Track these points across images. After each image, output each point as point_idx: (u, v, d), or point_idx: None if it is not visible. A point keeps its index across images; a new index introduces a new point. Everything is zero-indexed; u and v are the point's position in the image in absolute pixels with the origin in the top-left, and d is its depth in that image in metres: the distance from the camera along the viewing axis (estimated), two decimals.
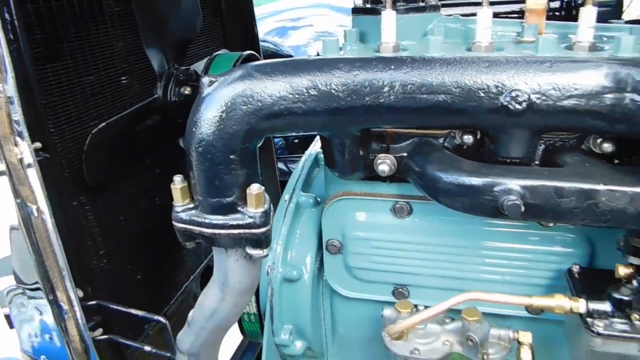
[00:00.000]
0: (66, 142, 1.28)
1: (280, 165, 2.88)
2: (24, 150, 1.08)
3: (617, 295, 1.00)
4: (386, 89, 0.93)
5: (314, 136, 2.16)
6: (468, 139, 1.10)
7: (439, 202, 1.04)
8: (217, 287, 1.15)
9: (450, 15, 1.28)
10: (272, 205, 1.06)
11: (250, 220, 1.00)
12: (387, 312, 1.21)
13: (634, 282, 1.00)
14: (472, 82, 0.91)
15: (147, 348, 1.43)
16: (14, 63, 1.05)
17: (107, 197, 1.45)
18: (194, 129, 0.96)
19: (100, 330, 1.36)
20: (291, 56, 4.54)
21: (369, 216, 1.28)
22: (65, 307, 1.21)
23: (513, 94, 0.89)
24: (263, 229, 1.01)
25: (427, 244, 1.25)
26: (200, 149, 0.96)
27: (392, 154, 1.15)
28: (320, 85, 0.94)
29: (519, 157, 1.02)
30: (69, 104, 1.28)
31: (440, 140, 1.14)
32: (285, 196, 1.50)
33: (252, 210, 1.01)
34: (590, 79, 0.88)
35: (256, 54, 1.74)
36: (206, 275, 1.96)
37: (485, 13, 1.02)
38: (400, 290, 1.32)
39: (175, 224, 1.05)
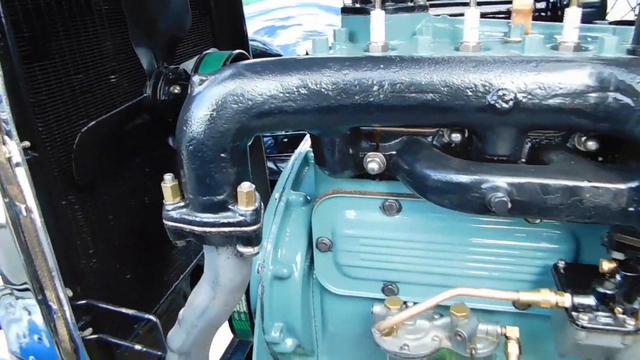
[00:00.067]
0: (55, 140, 1.27)
1: (270, 164, 2.88)
2: (13, 149, 1.07)
3: (601, 290, 1.03)
4: (375, 87, 0.94)
5: (303, 135, 2.18)
6: (456, 137, 1.12)
7: (428, 200, 1.05)
8: (208, 285, 1.15)
9: (439, 15, 1.29)
10: (262, 204, 1.06)
11: (241, 218, 1.01)
12: (377, 308, 1.22)
13: (618, 277, 1.03)
14: (460, 81, 0.92)
15: (138, 347, 1.42)
16: (1, 61, 1.04)
17: (97, 196, 1.44)
18: (185, 128, 0.96)
19: (90, 330, 1.35)
20: (280, 55, 4.54)
21: (358, 214, 1.30)
22: (55, 306, 1.20)
23: (500, 93, 0.91)
24: (254, 227, 1.02)
25: (416, 241, 1.27)
26: (191, 147, 0.96)
27: (382, 152, 1.16)
28: (310, 84, 0.95)
29: (505, 154, 1.04)
30: (57, 102, 1.27)
31: (429, 139, 1.15)
32: (276, 194, 1.50)
33: (243, 209, 1.01)
34: (574, 79, 0.89)
35: (246, 53, 1.74)
36: (196, 275, 1.95)
37: (472, 13, 1.03)
38: (390, 287, 1.33)
39: (165, 222, 1.05)
